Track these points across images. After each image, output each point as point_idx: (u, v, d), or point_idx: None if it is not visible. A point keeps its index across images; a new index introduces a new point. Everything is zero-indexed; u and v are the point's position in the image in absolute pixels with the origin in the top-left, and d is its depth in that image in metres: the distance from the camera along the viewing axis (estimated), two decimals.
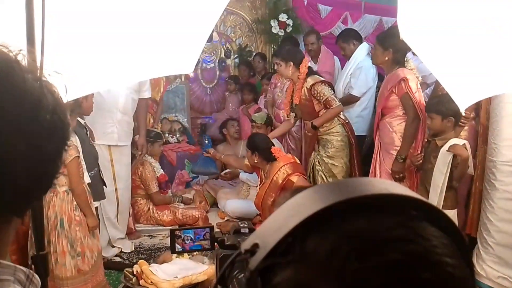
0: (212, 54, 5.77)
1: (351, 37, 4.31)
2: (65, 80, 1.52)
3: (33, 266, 1.30)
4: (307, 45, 4.69)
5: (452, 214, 2.88)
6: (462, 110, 1.78)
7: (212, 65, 5.83)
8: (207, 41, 4.20)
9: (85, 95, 1.69)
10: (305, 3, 5.50)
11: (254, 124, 4.22)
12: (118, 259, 3.53)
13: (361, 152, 4.11)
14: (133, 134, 3.74)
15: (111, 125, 3.43)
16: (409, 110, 3.11)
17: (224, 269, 0.40)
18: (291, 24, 5.38)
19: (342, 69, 4.56)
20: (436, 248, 0.35)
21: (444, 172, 2.75)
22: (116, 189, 3.55)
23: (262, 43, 5.70)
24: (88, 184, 2.89)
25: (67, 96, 1.58)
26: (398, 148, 3.19)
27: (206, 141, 5.35)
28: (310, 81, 3.58)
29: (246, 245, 0.37)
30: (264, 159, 3.40)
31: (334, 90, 3.68)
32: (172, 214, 4.04)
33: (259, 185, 3.56)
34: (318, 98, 3.57)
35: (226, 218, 4.24)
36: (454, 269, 0.34)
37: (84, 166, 2.88)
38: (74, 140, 2.83)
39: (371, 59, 3.95)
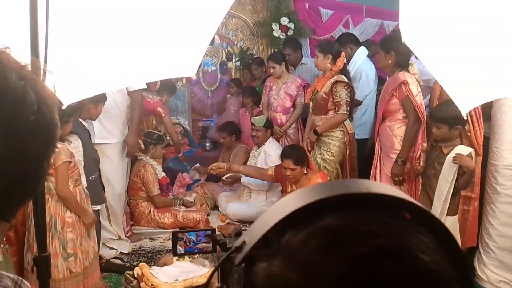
0: (214, 57, 5.78)
1: (348, 41, 4.33)
2: (66, 82, 1.53)
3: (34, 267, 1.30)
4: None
5: (453, 220, 2.87)
6: (464, 114, 1.78)
7: (214, 68, 5.84)
8: (209, 44, 4.20)
9: (87, 97, 1.69)
10: (307, 6, 5.52)
11: (253, 127, 4.23)
12: (118, 261, 3.52)
13: (363, 155, 4.13)
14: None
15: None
16: (410, 113, 3.11)
17: (218, 266, 0.44)
18: (293, 28, 5.39)
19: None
20: (411, 244, 0.35)
21: (450, 180, 2.73)
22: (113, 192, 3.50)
23: (263, 46, 5.71)
24: (87, 188, 2.88)
25: (69, 98, 1.58)
26: (398, 152, 3.19)
27: (208, 144, 5.36)
28: (336, 77, 3.64)
29: (237, 242, 0.40)
30: (306, 169, 3.43)
31: (352, 98, 3.71)
32: (173, 217, 4.03)
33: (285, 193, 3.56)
34: (334, 96, 3.63)
35: (227, 221, 4.23)
36: (430, 265, 0.34)
37: (82, 170, 2.88)
38: (77, 144, 2.84)
39: (371, 62, 3.98)
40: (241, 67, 5.74)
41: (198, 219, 4.01)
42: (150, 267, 2.82)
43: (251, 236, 0.39)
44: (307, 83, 4.48)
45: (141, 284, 2.69)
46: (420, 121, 3.09)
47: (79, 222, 2.69)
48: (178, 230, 3.79)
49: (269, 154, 4.14)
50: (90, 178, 2.97)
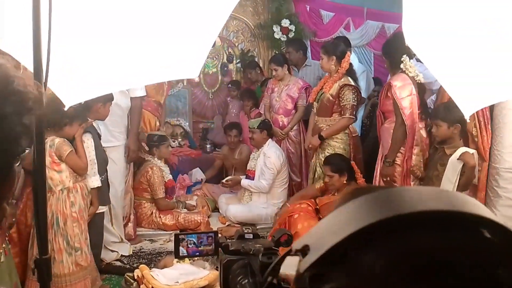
0: (215, 58, 5.78)
1: (348, 44, 4.39)
2: (67, 83, 1.52)
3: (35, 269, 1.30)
4: (288, 53, 4.88)
5: None
6: (467, 117, 1.78)
7: (214, 69, 5.83)
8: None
9: (89, 99, 1.69)
10: (308, 9, 5.52)
11: (249, 129, 4.27)
12: (118, 263, 3.51)
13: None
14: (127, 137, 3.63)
15: (115, 128, 3.39)
16: (397, 116, 3.12)
17: (274, 264, 0.38)
18: (294, 30, 5.39)
19: None
20: (502, 277, 0.32)
21: (453, 181, 2.73)
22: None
23: (264, 48, 5.70)
24: (98, 188, 2.90)
25: (70, 100, 1.58)
26: (397, 155, 3.19)
27: (208, 146, 5.36)
28: (344, 80, 3.64)
29: (297, 245, 0.36)
30: (350, 178, 3.41)
31: (358, 101, 3.74)
32: (174, 219, 4.02)
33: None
34: (341, 99, 3.64)
35: (227, 223, 4.22)
36: None
37: (96, 170, 2.90)
38: (90, 143, 2.86)
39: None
40: (241, 69, 5.74)
41: (199, 221, 4.00)
42: (150, 269, 2.82)
43: (317, 242, 0.35)
44: (309, 85, 4.48)
45: (141, 286, 2.68)
46: (405, 124, 3.09)
47: (83, 217, 2.73)
48: (179, 232, 3.78)
49: (268, 156, 4.14)
50: (101, 178, 2.97)
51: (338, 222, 0.36)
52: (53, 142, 2.62)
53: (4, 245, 2.31)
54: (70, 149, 2.63)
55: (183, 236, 1.35)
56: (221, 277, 1.22)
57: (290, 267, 0.36)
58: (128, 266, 3.44)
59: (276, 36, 5.43)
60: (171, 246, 3.73)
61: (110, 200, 3.26)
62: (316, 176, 3.81)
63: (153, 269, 2.85)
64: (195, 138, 5.59)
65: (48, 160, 2.50)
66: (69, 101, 1.49)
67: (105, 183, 3.11)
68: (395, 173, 3.18)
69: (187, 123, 5.48)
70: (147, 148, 4.00)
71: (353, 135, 3.81)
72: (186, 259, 2.89)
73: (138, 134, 3.74)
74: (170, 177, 4.15)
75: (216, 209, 4.54)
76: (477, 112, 2.85)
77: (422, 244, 0.32)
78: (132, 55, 1.51)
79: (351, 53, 4.41)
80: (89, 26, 1.47)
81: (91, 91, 1.56)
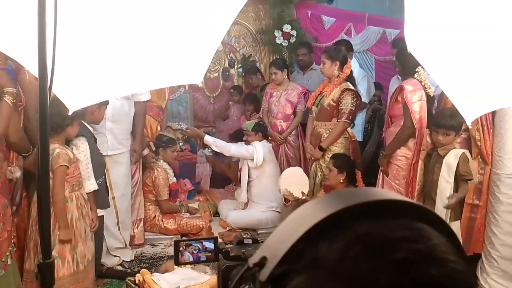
0: (216, 63, 5.79)
1: (349, 48, 4.47)
2: (71, 88, 1.53)
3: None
4: (297, 55, 4.94)
5: (456, 225, 2.87)
6: (469, 123, 1.79)
7: (216, 74, 5.85)
8: None
9: (93, 103, 1.69)
10: (309, 14, 5.54)
11: (245, 131, 4.30)
12: (119, 267, 3.51)
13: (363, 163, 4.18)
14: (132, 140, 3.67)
15: (101, 135, 3.34)
16: (406, 119, 3.14)
17: (234, 286, 0.41)
18: (295, 35, 5.41)
19: None
20: (438, 246, 0.37)
21: (451, 181, 2.77)
22: (113, 198, 3.50)
23: (265, 53, 5.72)
24: (95, 191, 2.90)
25: (74, 104, 1.58)
26: (401, 158, 3.21)
27: (209, 150, 5.35)
28: (344, 85, 3.66)
29: (254, 259, 0.38)
30: (350, 181, 3.43)
31: (357, 107, 3.76)
32: (176, 223, 4.02)
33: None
34: (339, 103, 3.65)
35: (228, 228, 4.22)
36: (458, 265, 0.36)
37: (91, 174, 2.89)
38: (84, 147, 2.85)
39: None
40: (243, 74, 5.76)
41: (201, 226, 4.00)
42: (151, 273, 2.82)
43: (273, 250, 0.37)
44: (308, 90, 4.50)
45: None
46: (414, 127, 3.10)
47: (77, 227, 2.69)
48: (180, 238, 3.78)
49: (254, 145, 4.15)
50: (97, 182, 2.98)
51: (288, 228, 0.38)
52: (52, 152, 2.56)
53: (10, 248, 2.32)
54: (62, 163, 2.59)
55: (183, 244, 1.36)
56: (220, 283, 1.22)
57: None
58: (129, 270, 3.44)
59: (278, 41, 5.45)
60: (172, 250, 3.71)
61: (109, 204, 3.26)
62: (316, 181, 3.81)
63: (154, 273, 2.85)
64: (196, 142, 5.59)
65: None
66: (73, 105, 1.49)
67: (103, 186, 3.10)
68: (398, 176, 3.19)
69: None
70: (153, 148, 4.02)
71: (352, 139, 3.81)
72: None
73: (143, 137, 3.81)
74: (174, 179, 4.16)
75: (217, 213, 4.54)
76: (480, 117, 2.88)
77: (366, 229, 0.36)
78: (136, 60, 1.51)
79: (351, 57, 4.48)
80: (93, 31, 1.48)
81: (95, 96, 1.57)
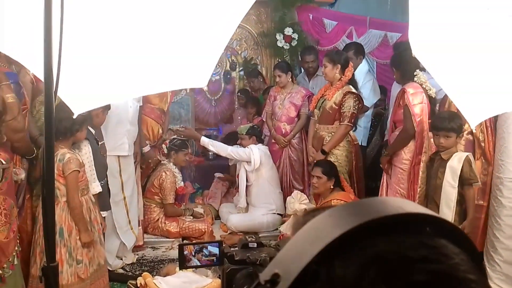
0: (218, 66, 5.79)
1: (360, 52, 4.51)
2: (75, 91, 1.53)
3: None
4: (306, 62, 4.84)
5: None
6: (473, 127, 1.78)
7: (218, 77, 5.85)
8: None
9: (99, 106, 1.68)
10: (311, 17, 5.54)
11: (239, 135, 4.33)
12: (121, 270, 3.50)
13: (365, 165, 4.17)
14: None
15: (121, 136, 3.45)
16: (406, 121, 3.14)
17: None
18: (296, 38, 5.41)
19: None
20: (459, 265, 0.35)
21: (455, 185, 2.74)
22: (124, 198, 3.56)
23: (267, 56, 5.73)
24: (98, 194, 2.89)
25: (79, 108, 1.58)
26: (405, 162, 3.20)
27: (210, 153, 5.35)
28: (347, 88, 3.67)
29: (265, 275, 0.36)
30: (335, 186, 3.43)
31: (359, 109, 3.76)
32: (178, 226, 4.01)
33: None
34: (342, 106, 3.66)
35: (229, 231, 4.21)
36: (477, 285, 0.35)
37: (95, 176, 2.89)
38: (87, 150, 2.86)
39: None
40: (244, 76, 5.76)
41: (203, 229, 3.99)
42: (153, 276, 2.81)
43: (286, 268, 0.35)
44: (311, 93, 4.50)
45: None
46: (415, 130, 3.10)
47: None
48: (182, 240, 3.78)
49: (250, 148, 4.15)
50: (100, 183, 2.98)
51: (301, 244, 0.36)
52: (63, 157, 2.57)
53: (16, 248, 2.32)
54: (74, 168, 2.59)
55: (187, 247, 1.35)
56: (224, 286, 1.21)
57: None
58: (130, 273, 3.44)
59: (279, 44, 5.45)
60: (173, 253, 3.72)
61: (110, 206, 3.27)
62: None
63: (156, 277, 2.84)
64: (198, 145, 5.59)
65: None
66: (77, 109, 1.49)
67: (105, 188, 3.12)
68: (401, 179, 3.19)
69: None
70: (165, 151, 4.03)
71: (354, 143, 3.82)
72: None
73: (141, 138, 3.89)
74: (182, 184, 4.14)
75: (218, 216, 4.53)
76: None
77: (383, 247, 0.35)
78: (141, 63, 1.51)
79: (361, 61, 4.48)
80: (99, 34, 1.48)
81: (100, 99, 1.56)
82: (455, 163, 2.76)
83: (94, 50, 1.44)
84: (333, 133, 3.74)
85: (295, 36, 5.41)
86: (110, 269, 3.38)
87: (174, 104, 5.34)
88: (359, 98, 3.70)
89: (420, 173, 3.07)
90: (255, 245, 1.75)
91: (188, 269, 2.94)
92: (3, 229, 2.24)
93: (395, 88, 3.93)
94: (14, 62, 2.18)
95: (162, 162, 4.05)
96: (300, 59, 5.18)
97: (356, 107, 3.66)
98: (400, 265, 0.34)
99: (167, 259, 3.67)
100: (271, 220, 4.20)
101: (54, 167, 1.33)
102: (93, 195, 2.87)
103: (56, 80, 1.21)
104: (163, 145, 4.04)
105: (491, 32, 1.57)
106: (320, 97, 3.84)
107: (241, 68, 5.86)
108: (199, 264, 1.37)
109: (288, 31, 5.41)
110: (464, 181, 2.76)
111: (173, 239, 3.95)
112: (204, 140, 4.18)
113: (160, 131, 4.11)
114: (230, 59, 5.84)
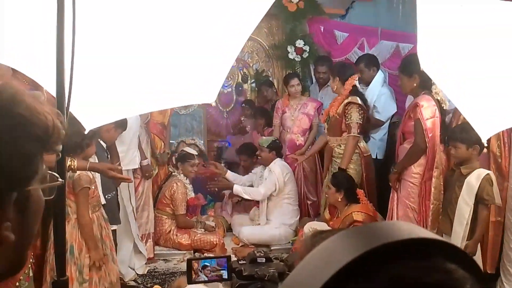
0: (229, 78, 5.84)
1: (372, 63, 4.48)
2: (86, 107, 1.55)
3: None
4: (318, 72, 4.84)
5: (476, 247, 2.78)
6: (484, 140, 1.76)
7: (229, 89, 5.90)
8: None
9: (108, 122, 1.70)
10: (322, 29, 5.56)
11: (259, 146, 4.30)
12: (132, 283, 3.52)
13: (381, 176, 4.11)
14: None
15: (134, 150, 3.54)
16: (417, 136, 3.09)
17: None
18: (308, 50, 5.43)
19: None
20: None
21: (471, 204, 2.66)
22: (133, 208, 3.62)
23: (278, 69, 5.75)
24: (105, 207, 2.89)
25: (90, 123, 1.61)
26: (415, 176, 3.15)
27: (222, 165, 5.36)
28: (351, 99, 3.68)
29: None
30: (347, 199, 3.40)
31: (364, 119, 3.73)
32: (190, 239, 4.01)
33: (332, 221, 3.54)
34: (345, 118, 3.67)
35: (241, 244, 4.20)
36: None
37: (100, 188, 2.90)
38: (92, 161, 2.87)
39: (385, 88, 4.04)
40: (256, 88, 5.79)
41: (215, 242, 3.99)
42: None
43: None
44: (321, 103, 4.51)
45: None
46: (426, 146, 3.05)
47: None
48: (193, 254, 3.77)
49: (272, 170, 4.13)
50: (106, 197, 3.00)
51: (313, 267, 0.36)
52: (73, 174, 2.56)
53: (30, 259, 2.34)
54: (85, 185, 2.59)
55: (196, 262, 1.36)
56: None
57: None
58: (142, 286, 3.44)
59: (290, 56, 5.47)
60: (184, 266, 3.70)
61: (120, 220, 3.30)
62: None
63: None
64: (210, 157, 5.61)
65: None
66: (89, 124, 1.52)
67: (114, 201, 3.14)
68: (412, 194, 3.15)
69: (202, 142, 5.52)
70: (174, 162, 4.07)
71: (365, 154, 3.79)
72: None
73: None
74: (193, 195, 4.16)
75: (229, 229, 4.52)
76: (502, 132, 2.82)
77: (397, 272, 0.35)
78: (151, 79, 1.54)
79: (375, 72, 4.43)
80: (109, 50, 1.51)
81: (111, 114, 1.59)
82: (473, 180, 2.67)
83: (104, 65, 1.47)
84: (341, 145, 3.73)
85: (307, 48, 5.43)
86: (123, 279, 3.40)
87: (186, 116, 5.40)
88: (362, 108, 3.69)
89: (432, 188, 3.01)
90: (264, 260, 1.74)
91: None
92: None
93: (410, 99, 3.89)
94: (29, 80, 2.22)
95: (173, 174, 4.08)
96: (314, 67, 5.18)
97: (360, 118, 3.65)
98: None
99: (178, 272, 3.68)
100: (283, 233, 4.18)
101: (65, 183, 1.35)
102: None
103: (68, 96, 1.24)
104: (173, 158, 4.08)
105: (501, 45, 1.55)
106: (328, 112, 3.87)
107: (252, 80, 5.89)
108: (206, 279, 1.38)
109: (300, 43, 5.43)
110: (479, 200, 2.68)
111: (184, 252, 3.95)
112: (237, 189, 4.20)
113: (162, 146, 4.14)
114: (242, 72, 5.88)
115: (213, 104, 5.49)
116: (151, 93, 1.55)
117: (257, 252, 1.80)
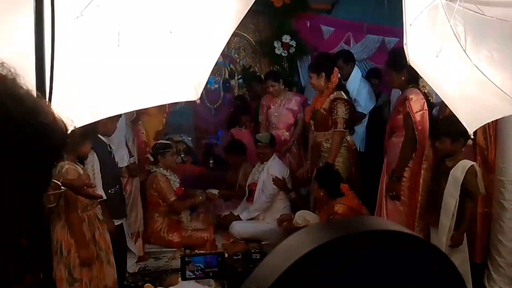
0: (217, 75, 5.82)
1: (350, 59, 4.53)
2: (68, 107, 1.53)
3: None
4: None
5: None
6: (471, 133, 1.78)
7: (217, 86, 5.88)
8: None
9: (90, 122, 1.66)
10: (308, 24, 5.56)
11: (260, 144, 4.22)
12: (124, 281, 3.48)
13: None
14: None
15: (122, 148, 3.51)
16: (408, 130, 3.10)
17: None
18: (294, 45, 5.44)
19: None
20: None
21: (456, 196, 2.69)
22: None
23: (265, 64, 5.75)
24: (108, 201, 2.83)
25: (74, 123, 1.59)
26: (406, 169, 3.16)
27: (211, 162, 5.35)
28: (336, 94, 3.68)
29: None
30: (330, 194, 3.34)
31: (350, 114, 3.73)
32: (180, 236, 3.98)
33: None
34: (332, 113, 3.67)
35: (231, 240, 4.19)
36: None
37: (100, 184, 2.84)
38: (92, 158, 2.82)
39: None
40: (243, 84, 5.78)
41: (205, 238, 3.97)
42: (155, 287, 2.79)
43: (259, 283, 0.37)
44: (306, 98, 4.52)
45: None
46: (416, 139, 3.06)
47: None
48: (184, 251, 3.76)
49: (272, 173, 4.13)
50: (109, 191, 2.96)
51: (275, 260, 0.39)
52: (61, 168, 2.45)
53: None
54: (71, 178, 2.47)
55: (189, 259, 1.35)
56: None
57: None
58: (133, 284, 3.42)
59: (277, 52, 5.47)
60: (176, 263, 3.70)
61: (126, 213, 3.33)
62: None
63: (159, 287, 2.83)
64: (198, 154, 5.59)
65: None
66: (69, 123, 1.49)
67: (117, 195, 3.13)
68: (402, 187, 3.15)
69: (190, 139, 5.48)
70: (151, 159, 4.01)
71: (353, 147, 3.81)
72: None
73: None
74: (178, 185, 4.06)
75: (219, 226, 4.50)
76: (488, 125, 2.84)
77: (355, 261, 0.36)
78: (134, 78, 1.52)
79: (353, 67, 4.48)
80: (90, 49, 1.49)
81: (93, 114, 1.56)
82: (458, 172, 2.70)
83: (86, 64, 1.44)
84: (329, 139, 3.74)
85: (293, 43, 5.43)
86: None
87: (174, 113, 5.34)
88: (348, 103, 3.70)
89: (421, 181, 3.03)
90: (258, 256, 1.74)
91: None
92: None
93: (395, 93, 3.91)
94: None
95: (151, 171, 4.01)
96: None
97: (346, 113, 3.66)
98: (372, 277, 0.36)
99: (169, 269, 3.66)
100: (274, 227, 4.18)
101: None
102: (100, 204, 2.75)
103: (49, 95, 1.22)
104: (148, 155, 4.00)
105: (487, 39, 1.57)
106: (313, 109, 3.84)
107: (239, 76, 5.88)
108: (202, 274, 1.37)
109: (286, 38, 5.43)
110: (465, 192, 2.70)
111: (175, 249, 3.93)
112: (244, 216, 4.19)
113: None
114: (229, 68, 5.86)
115: (198, 101, 5.44)
116: (134, 91, 1.53)
117: (252, 248, 1.80)
